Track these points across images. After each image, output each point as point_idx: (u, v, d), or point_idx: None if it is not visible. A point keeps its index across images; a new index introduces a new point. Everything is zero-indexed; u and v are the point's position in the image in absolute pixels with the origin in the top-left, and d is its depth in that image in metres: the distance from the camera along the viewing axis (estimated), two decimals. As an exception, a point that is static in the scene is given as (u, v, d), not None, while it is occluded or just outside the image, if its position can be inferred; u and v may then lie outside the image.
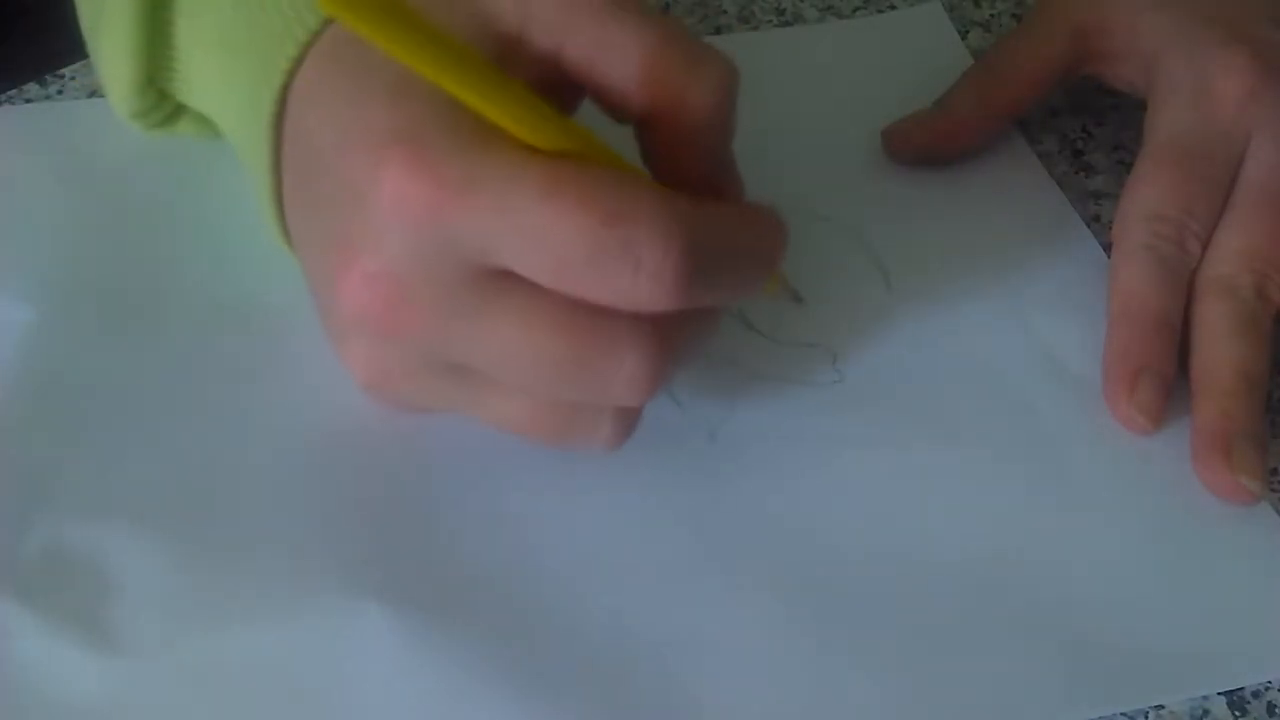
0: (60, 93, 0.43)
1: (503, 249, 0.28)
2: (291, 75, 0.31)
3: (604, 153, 0.29)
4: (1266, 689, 0.32)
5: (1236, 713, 0.32)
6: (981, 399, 0.37)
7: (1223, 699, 0.32)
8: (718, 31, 0.47)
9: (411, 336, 0.29)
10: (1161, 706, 0.31)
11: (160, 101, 0.37)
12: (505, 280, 0.28)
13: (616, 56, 0.30)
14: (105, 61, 0.36)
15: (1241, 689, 0.32)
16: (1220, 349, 0.36)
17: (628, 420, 0.32)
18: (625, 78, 0.30)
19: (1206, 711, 0.32)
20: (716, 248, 0.29)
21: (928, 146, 0.43)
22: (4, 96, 0.43)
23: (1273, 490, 0.35)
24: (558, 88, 0.31)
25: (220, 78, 0.34)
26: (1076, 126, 0.45)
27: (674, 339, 0.29)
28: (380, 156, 0.27)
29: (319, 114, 0.30)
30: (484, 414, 0.32)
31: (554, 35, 0.30)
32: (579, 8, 0.30)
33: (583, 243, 0.27)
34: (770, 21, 0.48)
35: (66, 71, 0.44)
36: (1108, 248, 0.39)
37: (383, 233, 0.28)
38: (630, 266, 0.27)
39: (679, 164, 0.32)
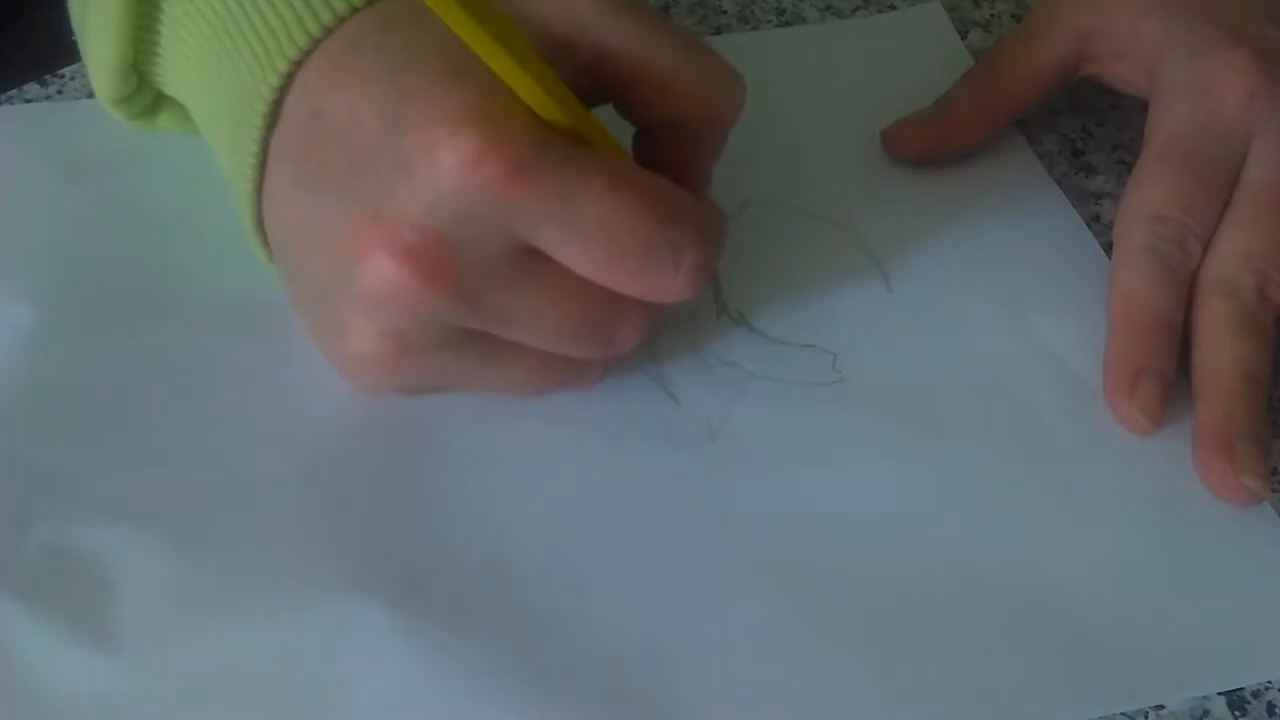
0: (60, 93, 0.43)
1: (554, 235, 0.29)
2: (298, 65, 0.31)
3: (618, 149, 0.33)
4: (1266, 689, 0.32)
5: (1236, 713, 0.32)
6: (981, 399, 0.37)
7: (1223, 699, 0.32)
8: (718, 31, 0.47)
9: (443, 308, 0.30)
10: (1161, 706, 0.31)
11: (141, 88, 0.37)
12: (538, 256, 0.30)
13: (659, 66, 0.32)
14: (91, 40, 0.36)
15: (1241, 689, 0.32)
16: (1221, 349, 0.36)
17: (608, 367, 0.36)
18: (664, 86, 0.33)
19: (1206, 711, 0.32)
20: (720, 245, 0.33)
21: (928, 146, 0.43)
22: (4, 96, 0.43)
23: (1273, 490, 0.35)
24: (584, 93, 0.32)
25: (207, 64, 0.34)
26: (1076, 126, 0.45)
27: None
28: (453, 130, 0.28)
29: (347, 99, 0.30)
30: (479, 382, 0.34)
31: (600, 42, 0.32)
32: (625, 16, 0.32)
33: (638, 241, 0.30)
34: (770, 21, 0.48)
35: (66, 71, 0.44)
36: (1108, 248, 0.39)
37: (438, 204, 0.29)
38: (674, 266, 0.31)
39: (682, 165, 0.34)
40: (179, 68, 0.35)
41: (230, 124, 0.33)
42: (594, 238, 0.30)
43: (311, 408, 0.35)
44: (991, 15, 0.49)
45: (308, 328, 0.34)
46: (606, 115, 0.34)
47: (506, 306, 0.31)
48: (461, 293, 0.30)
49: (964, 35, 0.47)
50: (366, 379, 0.33)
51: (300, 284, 0.33)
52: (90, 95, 0.43)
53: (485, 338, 0.32)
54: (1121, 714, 0.31)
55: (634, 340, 0.33)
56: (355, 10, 0.31)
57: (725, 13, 0.48)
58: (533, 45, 0.30)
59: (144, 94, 0.37)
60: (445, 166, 0.28)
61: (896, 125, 0.43)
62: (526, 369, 0.34)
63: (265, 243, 0.34)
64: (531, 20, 0.31)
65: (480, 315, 0.31)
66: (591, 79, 0.32)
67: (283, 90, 0.31)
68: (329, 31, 0.31)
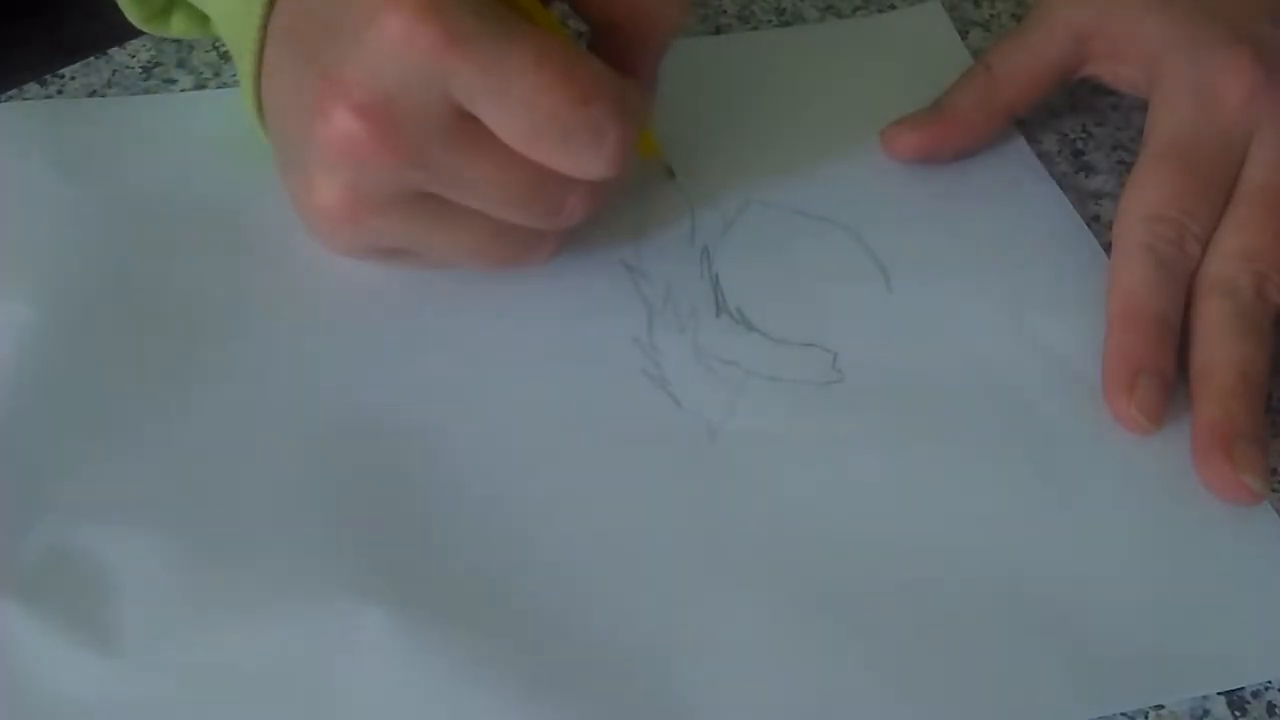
0: (60, 93, 0.43)
1: (485, 103, 0.32)
2: None
3: (562, 30, 0.35)
4: (1266, 689, 0.32)
5: (1236, 713, 0.32)
6: (981, 399, 0.37)
7: (1223, 699, 0.32)
8: (718, 31, 0.47)
9: (391, 163, 0.32)
10: (1161, 706, 0.31)
11: None
12: (479, 122, 0.32)
13: None
14: None
15: (1241, 689, 0.32)
16: (1220, 349, 0.36)
17: (560, 240, 0.37)
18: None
19: (1206, 711, 0.32)
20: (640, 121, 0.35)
21: (927, 147, 0.43)
22: (4, 96, 0.43)
23: (1273, 490, 0.35)
24: None
25: None
26: (1076, 126, 0.45)
27: None
28: (392, 2, 0.30)
29: None
30: (436, 245, 0.36)
31: None
32: None
33: (558, 117, 0.32)
34: (770, 21, 0.48)
35: (66, 72, 0.44)
36: (1108, 248, 0.39)
37: (381, 67, 0.31)
38: (594, 145, 0.32)
39: (626, 64, 0.36)
40: None
41: (237, 14, 0.35)
42: (517, 110, 0.32)
43: (313, 408, 0.35)
44: (991, 15, 0.49)
45: (286, 190, 0.36)
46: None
47: (451, 168, 0.33)
48: (406, 149, 0.32)
49: (964, 35, 0.47)
50: (332, 236, 0.35)
51: (282, 150, 0.36)
52: (91, 94, 0.43)
53: (437, 200, 0.34)
54: (1121, 714, 0.31)
55: (579, 212, 0.35)
56: None
57: (725, 13, 0.48)
58: None
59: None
60: (386, 33, 0.31)
61: (895, 125, 0.43)
62: (476, 235, 0.35)
63: (265, 124, 0.37)
64: None
65: (426, 174, 0.33)
66: None
67: None
68: None
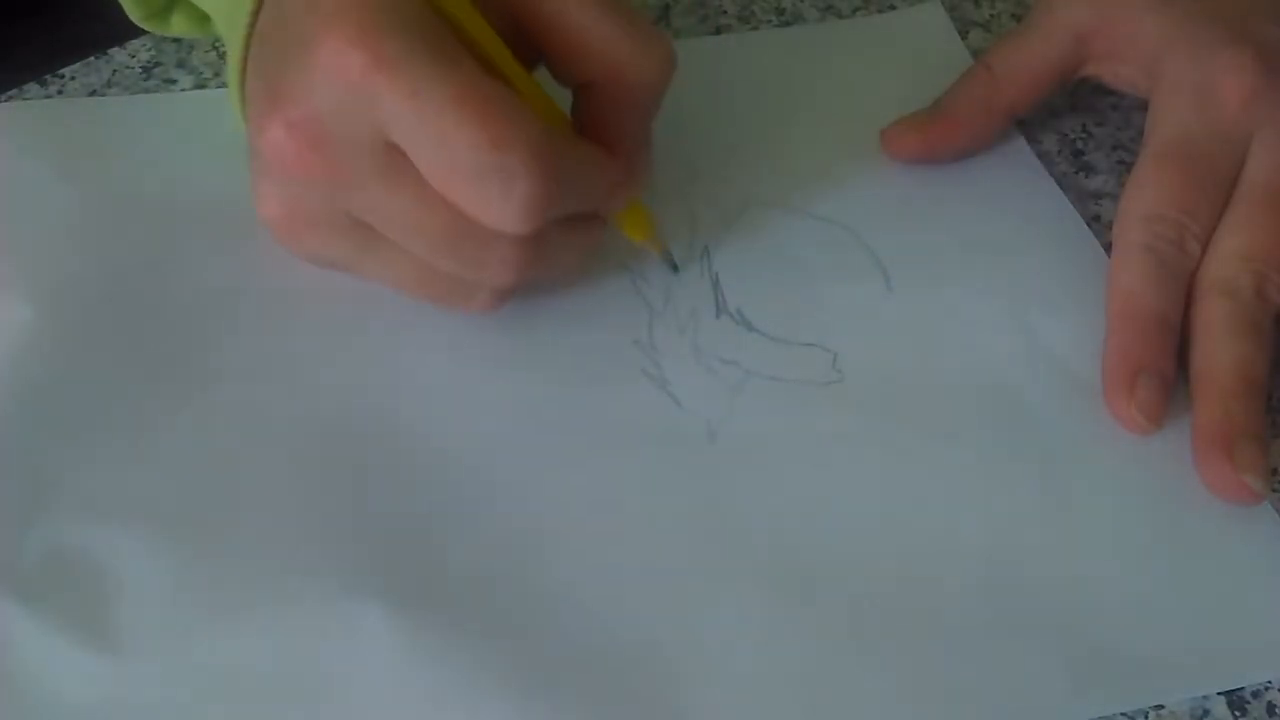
0: (60, 93, 0.43)
1: (404, 134, 0.31)
2: None
3: (538, 94, 0.34)
4: (1266, 689, 0.32)
5: (1236, 713, 0.32)
6: (981, 399, 0.37)
7: (1223, 699, 0.32)
8: (718, 31, 0.47)
9: (316, 182, 0.32)
10: (1161, 706, 0.31)
11: None
12: (407, 157, 0.32)
13: (572, 24, 0.33)
14: None
15: (1241, 689, 0.32)
16: (1220, 349, 0.36)
17: (501, 296, 0.36)
18: (576, 46, 0.34)
19: (1206, 711, 0.32)
20: (574, 186, 0.33)
21: (927, 147, 0.43)
22: (4, 96, 0.43)
23: (1273, 490, 0.35)
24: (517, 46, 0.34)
25: None
26: (1076, 126, 0.45)
27: (546, 235, 0.33)
28: (333, 22, 0.30)
29: None
30: (374, 270, 0.35)
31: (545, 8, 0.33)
32: None
33: (469, 158, 0.30)
34: (770, 21, 0.48)
35: (66, 71, 0.44)
36: (1108, 248, 0.39)
37: (312, 86, 0.31)
38: (502, 193, 0.31)
39: (606, 129, 0.35)
40: None
41: (228, 12, 0.36)
42: (433, 145, 0.31)
43: (313, 408, 0.35)
44: (991, 15, 0.49)
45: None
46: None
47: (376, 200, 0.32)
48: (332, 169, 0.32)
49: (964, 35, 0.47)
50: (282, 243, 0.35)
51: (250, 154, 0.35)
52: (91, 94, 0.43)
53: (367, 227, 0.33)
54: (1121, 714, 0.31)
55: (506, 276, 0.34)
56: None
57: (725, 13, 0.48)
58: None
59: None
60: (320, 53, 0.30)
61: (895, 125, 0.43)
62: (402, 270, 0.35)
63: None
64: None
65: (353, 200, 0.33)
66: (516, 32, 0.34)
67: None
68: None
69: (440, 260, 0.34)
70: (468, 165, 0.31)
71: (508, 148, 0.30)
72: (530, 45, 0.34)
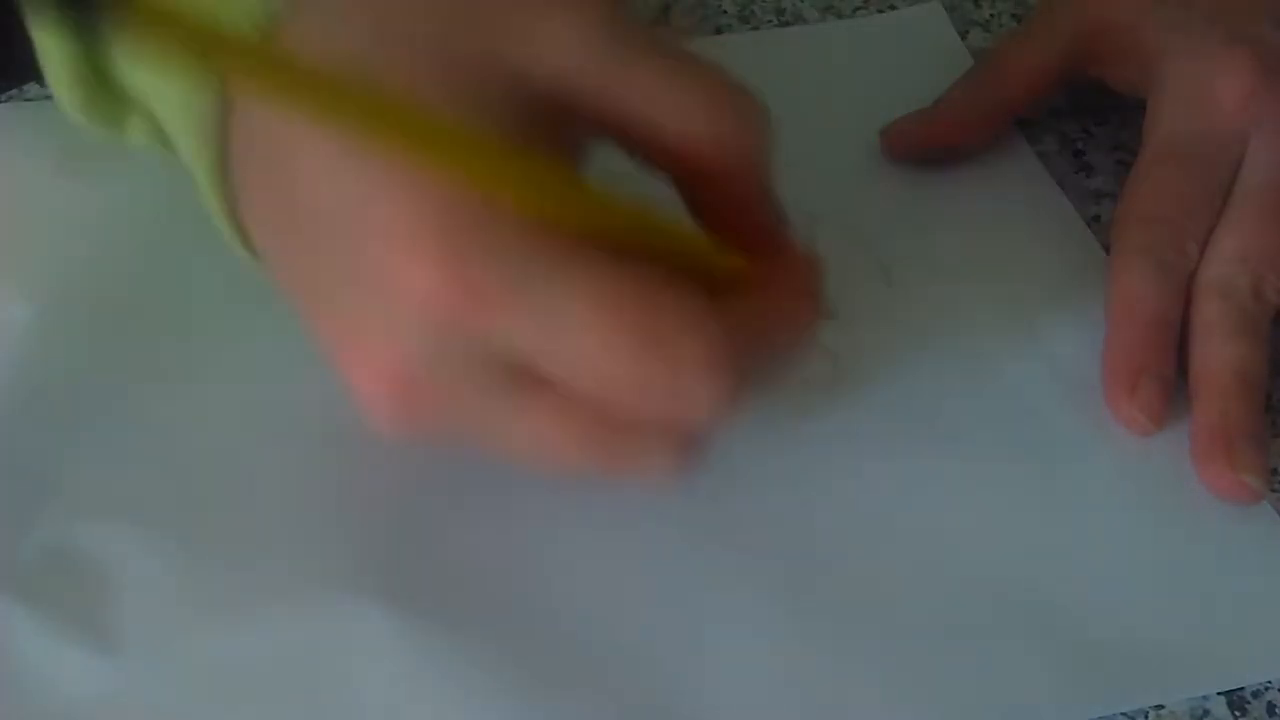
0: (60, 92, 0.43)
1: (540, 362, 0.26)
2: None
3: (635, 217, 0.28)
4: (1266, 689, 0.32)
5: (1236, 713, 0.32)
6: (981, 399, 0.37)
7: (1223, 699, 0.32)
8: (718, 31, 0.47)
9: (428, 429, 0.28)
10: (1161, 706, 0.31)
11: (102, 88, 0.33)
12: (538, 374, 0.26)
13: (677, 108, 0.28)
14: (44, 43, 0.33)
15: (1241, 689, 0.32)
16: (1219, 350, 0.36)
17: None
18: (686, 133, 0.28)
19: (1206, 712, 0.32)
20: (752, 353, 0.28)
21: (927, 146, 0.43)
22: (4, 96, 0.43)
23: (1273, 490, 0.35)
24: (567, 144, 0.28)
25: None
26: (1076, 126, 0.45)
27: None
28: (409, 250, 0.25)
29: (309, 164, 0.26)
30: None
31: (603, 94, 0.28)
32: (636, 57, 0.28)
33: (628, 369, 0.25)
34: (770, 21, 0.48)
35: (66, 71, 0.44)
36: (1108, 248, 0.39)
37: (402, 330, 0.26)
38: (672, 393, 0.26)
39: (734, 214, 0.31)
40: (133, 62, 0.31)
41: (184, 123, 0.30)
42: (581, 368, 0.26)
43: (313, 407, 0.35)
44: (991, 15, 0.49)
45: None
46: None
47: (507, 425, 0.27)
48: (448, 420, 0.27)
49: (964, 35, 0.47)
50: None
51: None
52: (90, 95, 0.43)
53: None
54: (1121, 714, 0.31)
55: (667, 461, 0.28)
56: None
57: (725, 13, 0.48)
58: (516, 106, 0.26)
59: (106, 95, 0.33)
60: (405, 294, 0.25)
61: (895, 125, 0.43)
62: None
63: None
64: (512, 77, 0.26)
65: (481, 435, 0.28)
66: (584, 133, 0.29)
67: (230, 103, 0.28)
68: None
69: (586, 469, 0.28)
70: (628, 380, 0.26)
71: (669, 343, 0.25)
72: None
